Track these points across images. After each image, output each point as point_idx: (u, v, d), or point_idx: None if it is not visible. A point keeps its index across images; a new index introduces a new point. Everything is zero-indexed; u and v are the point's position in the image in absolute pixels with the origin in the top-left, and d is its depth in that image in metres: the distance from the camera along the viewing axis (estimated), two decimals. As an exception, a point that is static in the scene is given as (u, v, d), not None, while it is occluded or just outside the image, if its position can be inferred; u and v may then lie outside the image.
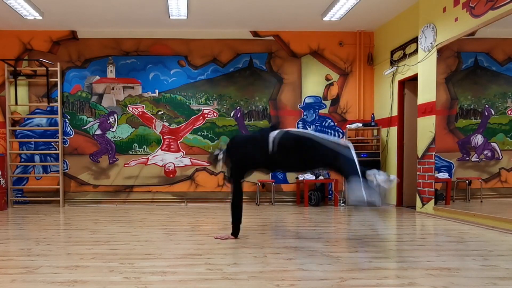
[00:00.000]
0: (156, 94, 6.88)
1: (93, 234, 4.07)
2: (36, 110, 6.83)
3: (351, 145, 3.40)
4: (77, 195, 6.86)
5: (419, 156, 5.40)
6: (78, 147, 6.84)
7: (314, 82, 7.00)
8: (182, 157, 6.94)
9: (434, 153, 5.12)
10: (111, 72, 6.86)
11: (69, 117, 6.83)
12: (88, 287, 2.33)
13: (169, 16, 6.13)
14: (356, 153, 6.45)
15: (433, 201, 5.16)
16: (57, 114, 6.72)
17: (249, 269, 2.68)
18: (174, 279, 2.47)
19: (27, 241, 3.75)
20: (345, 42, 6.98)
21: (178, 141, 6.94)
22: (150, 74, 6.87)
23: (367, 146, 6.80)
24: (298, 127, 7.01)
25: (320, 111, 7.02)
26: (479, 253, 3.12)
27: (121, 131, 6.88)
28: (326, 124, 7.03)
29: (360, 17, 6.27)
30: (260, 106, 6.96)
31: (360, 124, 6.68)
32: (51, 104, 6.76)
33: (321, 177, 6.61)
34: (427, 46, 5.26)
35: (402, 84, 6.21)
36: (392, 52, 6.35)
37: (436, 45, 5.09)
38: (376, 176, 3.15)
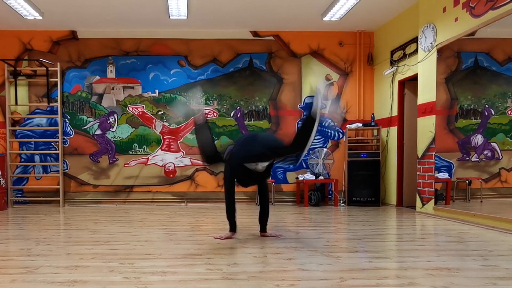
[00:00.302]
0: (156, 94, 6.88)
1: (93, 234, 4.07)
2: (36, 110, 6.83)
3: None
4: (77, 195, 6.86)
5: (419, 156, 5.40)
6: (78, 147, 6.84)
7: (314, 82, 7.00)
8: (182, 157, 6.94)
9: (434, 153, 5.12)
10: (111, 72, 6.86)
11: (69, 117, 6.83)
12: (88, 287, 2.33)
13: (169, 16, 6.13)
14: (356, 153, 6.54)
15: (433, 201, 5.16)
16: (57, 114, 6.72)
17: (249, 269, 2.68)
18: (174, 279, 2.47)
19: (27, 241, 3.75)
20: (345, 42, 6.98)
21: (178, 141, 6.94)
22: (150, 74, 6.87)
23: (367, 146, 6.79)
24: (298, 127, 7.01)
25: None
26: (479, 253, 3.12)
27: (121, 131, 6.88)
28: (326, 124, 7.03)
29: (360, 17, 6.27)
30: (260, 106, 6.96)
31: (360, 124, 6.68)
32: (51, 104, 6.76)
33: (321, 177, 6.61)
34: (427, 46, 5.26)
35: (402, 84, 6.21)
36: (392, 52, 6.35)
37: (436, 45, 5.09)
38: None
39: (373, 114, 6.85)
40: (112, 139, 6.87)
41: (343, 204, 6.62)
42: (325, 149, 6.73)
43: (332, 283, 2.36)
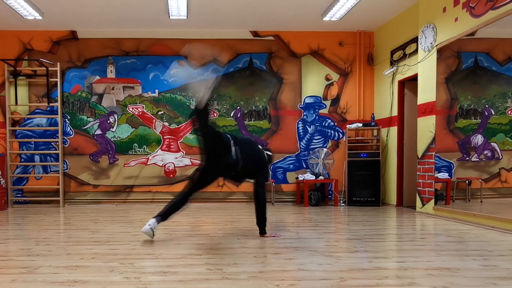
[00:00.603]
0: (156, 94, 6.88)
1: (93, 234, 4.07)
2: (36, 110, 6.83)
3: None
4: (77, 195, 6.86)
5: (419, 156, 5.40)
6: (78, 147, 6.84)
7: (314, 82, 7.00)
8: (182, 157, 6.94)
9: (434, 153, 5.12)
10: (111, 72, 6.86)
11: (69, 117, 6.83)
12: (88, 287, 2.33)
13: (169, 16, 6.13)
14: (356, 153, 6.54)
15: (433, 201, 5.16)
16: (57, 114, 6.72)
17: (249, 269, 2.68)
18: (174, 279, 2.47)
19: (27, 241, 3.75)
20: (345, 42, 6.98)
21: (178, 141, 6.94)
22: (150, 74, 6.87)
23: (367, 146, 6.79)
24: (298, 127, 7.02)
25: (320, 111, 7.02)
26: (479, 253, 3.12)
27: (121, 131, 6.88)
28: (326, 124, 7.03)
29: (360, 17, 6.27)
30: (260, 106, 6.96)
31: (360, 124, 6.68)
32: (51, 104, 6.76)
33: (321, 177, 6.61)
34: (427, 46, 5.26)
35: (402, 84, 6.21)
36: (392, 52, 6.35)
37: (436, 45, 5.09)
38: None
39: (373, 114, 6.85)
40: (112, 139, 6.87)
41: (343, 204, 6.62)
42: (325, 149, 6.73)
43: (332, 283, 2.36)
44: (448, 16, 4.87)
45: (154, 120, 6.90)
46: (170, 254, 3.17)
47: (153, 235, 3.69)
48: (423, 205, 5.34)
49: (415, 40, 5.65)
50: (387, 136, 6.57)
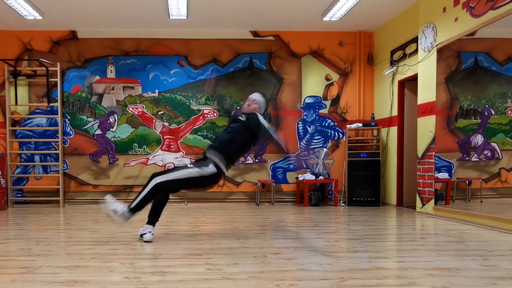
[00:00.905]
0: (156, 94, 6.88)
1: (93, 234, 4.08)
2: (36, 110, 6.83)
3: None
4: (77, 195, 6.86)
5: (419, 156, 5.40)
6: (78, 147, 6.84)
7: (314, 82, 7.00)
8: (182, 157, 6.94)
9: (434, 153, 5.12)
10: (111, 72, 6.86)
11: (69, 117, 6.83)
12: (88, 287, 2.33)
13: (169, 16, 6.13)
14: (356, 153, 6.54)
15: (433, 201, 5.16)
16: (57, 114, 6.72)
17: (249, 269, 2.68)
18: (174, 279, 2.47)
19: (27, 241, 3.74)
20: (345, 42, 6.98)
21: (178, 141, 6.94)
22: (150, 74, 6.87)
23: (367, 146, 6.79)
24: (298, 127, 7.02)
25: (320, 111, 7.02)
26: (479, 253, 3.12)
27: (121, 131, 6.88)
28: (326, 124, 7.03)
29: (360, 17, 6.27)
30: (260, 106, 6.94)
31: (360, 124, 6.68)
32: (51, 104, 6.76)
33: (321, 177, 6.61)
34: (427, 46, 5.26)
35: (402, 84, 6.21)
36: (392, 52, 6.35)
37: (436, 45, 5.09)
38: None
39: (373, 114, 6.85)
40: (112, 139, 6.87)
41: (343, 204, 6.62)
42: (325, 149, 6.73)
43: (332, 283, 2.36)
44: (448, 16, 4.87)
45: (154, 120, 6.90)
46: (170, 254, 3.17)
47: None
48: (423, 205, 5.34)
49: (415, 40, 5.65)
50: (387, 136, 6.57)
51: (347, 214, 5.65)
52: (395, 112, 6.31)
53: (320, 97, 7.02)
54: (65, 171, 6.83)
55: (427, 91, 5.26)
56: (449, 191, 5.11)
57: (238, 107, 6.94)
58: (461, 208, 4.82)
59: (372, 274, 2.55)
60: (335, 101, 7.03)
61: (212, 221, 5.02)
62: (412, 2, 5.66)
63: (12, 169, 6.77)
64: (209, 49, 6.90)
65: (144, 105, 6.88)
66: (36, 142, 6.82)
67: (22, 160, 6.84)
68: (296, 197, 6.91)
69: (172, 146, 6.93)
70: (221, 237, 3.88)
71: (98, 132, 6.86)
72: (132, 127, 6.89)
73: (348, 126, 6.75)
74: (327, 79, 7.02)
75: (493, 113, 4.63)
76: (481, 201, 4.86)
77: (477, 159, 4.82)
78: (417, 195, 5.50)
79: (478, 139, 4.78)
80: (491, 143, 4.65)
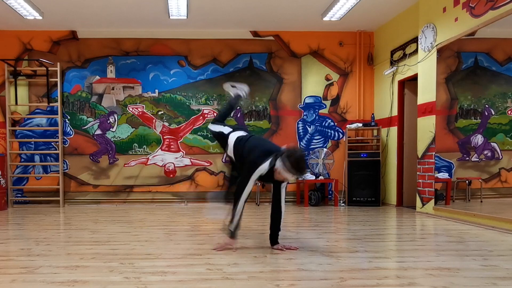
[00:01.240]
0: (156, 94, 6.88)
1: (93, 234, 4.07)
2: (36, 110, 6.82)
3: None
4: (77, 195, 6.86)
5: (419, 156, 5.40)
6: (78, 147, 6.84)
7: (314, 82, 7.00)
8: (182, 157, 6.94)
9: (434, 153, 5.12)
10: (111, 72, 6.86)
11: (69, 117, 6.83)
12: (88, 287, 2.33)
13: (169, 16, 6.13)
14: (356, 153, 6.54)
15: (433, 201, 5.16)
16: (57, 114, 6.72)
17: (249, 269, 2.68)
18: (174, 279, 2.47)
19: (27, 241, 3.75)
20: (345, 42, 6.98)
21: (178, 141, 6.94)
22: (150, 74, 6.87)
23: (367, 146, 6.79)
24: (298, 127, 7.02)
25: (320, 111, 7.02)
26: (479, 253, 3.12)
27: (121, 131, 6.88)
28: (326, 124, 7.03)
29: (360, 17, 6.27)
30: (260, 106, 6.96)
31: (360, 124, 6.68)
32: (51, 104, 6.76)
33: (321, 177, 6.61)
34: (427, 46, 5.26)
35: (402, 84, 6.21)
36: (392, 52, 6.35)
37: (436, 45, 5.09)
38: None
39: (373, 114, 6.85)
40: (112, 139, 6.87)
41: (343, 204, 6.62)
42: (325, 149, 6.73)
43: (332, 283, 2.36)
44: (448, 16, 4.87)
45: (154, 120, 6.90)
46: (170, 254, 3.17)
47: None
48: (423, 205, 5.34)
49: (415, 40, 5.65)
50: (387, 136, 6.57)
51: (347, 214, 5.65)
52: (395, 112, 6.31)
53: (320, 97, 7.02)
54: (65, 171, 6.83)
55: (427, 91, 5.26)
56: (449, 191, 5.11)
57: (238, 107, 6.94)
58: (461, 208, 4.82)
59: (372, 274, 2.55)
60: (335, 101, 7.03)
61: (212, 221, 5.02)
62: (412, 2, 5.66)
63: (12, 169, 6.77)
64: (209, 49, 6.90)
65: (144, 105, 6.88)
66: (36, 142, 6.82)
67: (22, 160, 6.84)
68: (296, 197, 6.91)
69: (172, 146, 6.93)
70: (221, 237, 3.87)
71: (98, 132, 6.86)
72: (132, 127, 6.89)
73: (348, 126, 6.75)
74: (327, 79, 7.02)
75: (493, 113, 4.63)
76: (481, 201, 4.87)
77: (477, 159, 4.82)
78: (417, 195, 5.50)
79: (478, 139, 4.78)
80: (491, 143, 4.65)
